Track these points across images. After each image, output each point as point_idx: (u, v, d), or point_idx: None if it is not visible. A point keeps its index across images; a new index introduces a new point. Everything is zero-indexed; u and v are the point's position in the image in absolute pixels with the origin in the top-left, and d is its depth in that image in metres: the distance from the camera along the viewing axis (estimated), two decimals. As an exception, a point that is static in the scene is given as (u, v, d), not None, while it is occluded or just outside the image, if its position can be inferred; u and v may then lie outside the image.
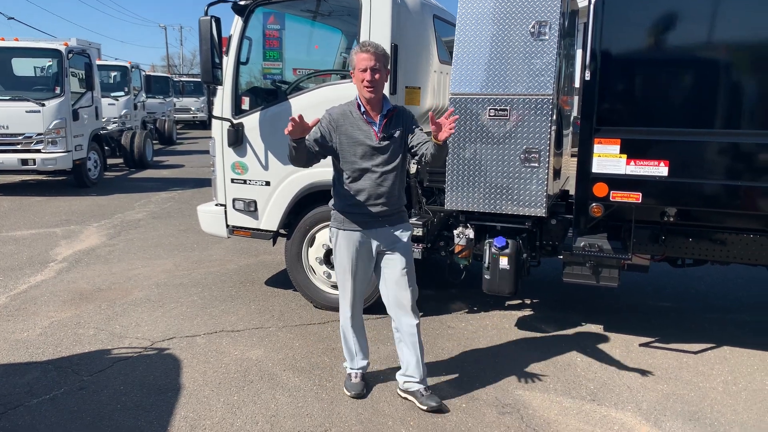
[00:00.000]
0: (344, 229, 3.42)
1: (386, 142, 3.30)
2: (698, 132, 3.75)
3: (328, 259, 4.94)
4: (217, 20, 4.60)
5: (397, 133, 3.33)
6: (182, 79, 30.73)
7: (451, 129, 3.04)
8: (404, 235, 3.47)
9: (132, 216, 9.09)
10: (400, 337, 3.53)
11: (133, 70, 17.06)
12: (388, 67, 3.28)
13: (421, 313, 3.60)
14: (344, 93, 4.65)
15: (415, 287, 3.51)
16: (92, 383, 3.83)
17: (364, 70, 3.19)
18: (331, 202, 3.50)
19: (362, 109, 3.31)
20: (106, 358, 4.21)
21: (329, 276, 4.97)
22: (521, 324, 4.85)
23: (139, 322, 4.86)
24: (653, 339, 4.55)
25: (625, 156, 3.82)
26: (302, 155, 3.24)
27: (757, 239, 4.07)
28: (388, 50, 4.47)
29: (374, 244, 3.43)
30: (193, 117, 27.47)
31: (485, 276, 4.41)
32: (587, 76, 3.86)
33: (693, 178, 3.78)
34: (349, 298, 3.53)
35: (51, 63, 11.27)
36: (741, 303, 5.39)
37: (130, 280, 5.93)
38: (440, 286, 5.63)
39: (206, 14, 4.59)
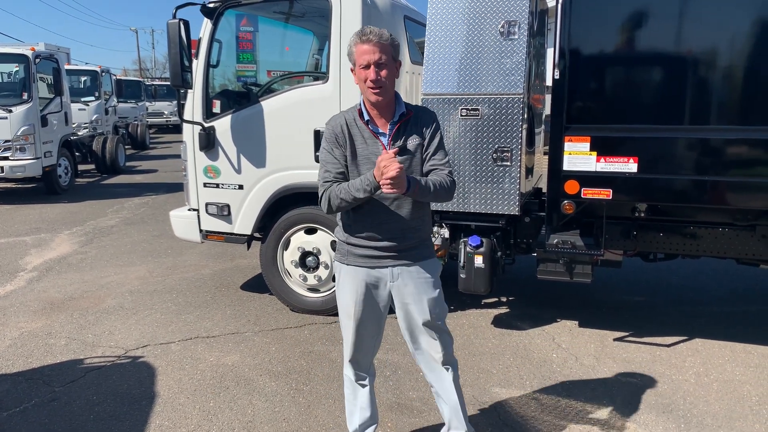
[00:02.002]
0: (347, 264, 2.69)
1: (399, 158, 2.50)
2: (666, 128, 3.81)
3: (303, 262, 4.92)
4: (186, 23, 4.54)
5: (413, 144, 2.56)
6: (155, 82, 30.40)
7: (387, 179, 2.29)
8: (426, 275, 2.70)
9: (104, 222, 8.95)
10: (436, 392, 2.89)
11: (104, 74, 16.77)
12: (399, 58, 2.57)
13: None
14: (317, 95, 4.67)
15: (445, 335, 2.78)
16: (64, 394, 3.75)
17: (366, 67, 2.44)
18: (337, 229, 2.76)
19: (366, 117, 2.55)
20: (78, 368, 4.13)
21: (305, 279, 4.94)
22: (497, 322, 4.88)
23: (112, 330, 4.78)
24: (627, 333, 4.61)
25: (595, 153, 3.86)
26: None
27: (725, 232, 4.15)
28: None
29: (386, 284, 2.69)
30: (167, 121, 27.19)
31: (461, 275, 4.44)
32: (556, 75, 3.89)
33: (662, 173, 3.83)
34: (350, 344, 2.80)
35: (18, 68, 11.04)
36: (712, 295, 5.49)
37: (103, 288, 5.83)
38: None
39: (174, 17, 4.53)
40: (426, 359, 2.81)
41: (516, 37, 4.17)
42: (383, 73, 2.45)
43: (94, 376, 4.00)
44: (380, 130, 2.57)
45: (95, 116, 15.51)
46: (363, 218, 2.61)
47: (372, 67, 2.44)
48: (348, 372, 2.91)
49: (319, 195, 2.59)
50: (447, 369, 2.81)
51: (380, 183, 2.34)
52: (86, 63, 25.76)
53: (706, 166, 3.77)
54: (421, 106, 2.77)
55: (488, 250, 4.38)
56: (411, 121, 2.59)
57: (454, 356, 2.86)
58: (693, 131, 3.77)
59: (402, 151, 2.53)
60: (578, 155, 3.88)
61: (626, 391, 3.75)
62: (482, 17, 4.24)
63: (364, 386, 2.93)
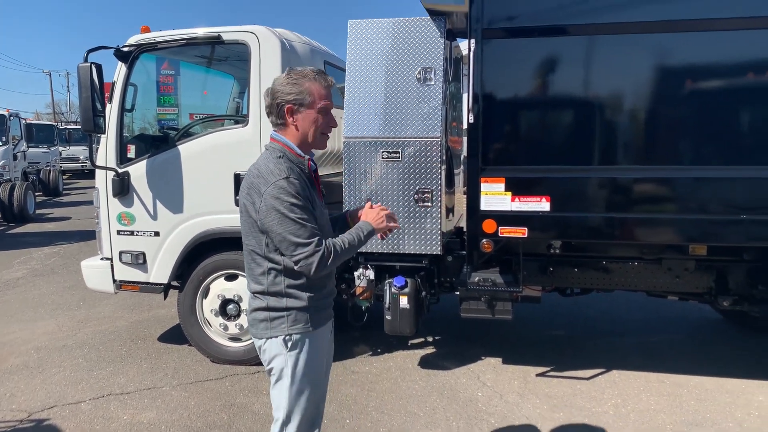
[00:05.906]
0: (315, 328, 2.33)
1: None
2: (575, 169, 3.98)
3: (224, 310, 4.77)
4: (98, 66, 4.41)
5: None
6: (69, 126, 29.19)
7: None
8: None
9: (10, 275, 8.38)
10: None
11: (12, 118, 15.97)
12: None
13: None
14: (237, 138, 4.62)
15: None
16: (-45, 466, 3.42)
17: (326, 112, 2.26)
18: (284, 300, 2.29)
19: (314, 165, 2.36)
20: (-27, 435, 3.79)
21: (226, 328, 4.78)
22: (424, 363, 4.87)
23: (15, 392, 4.42)
24: (548, 368, 4.70)
25: (510, 193, 3.99)
26: None
27: (635, 266, 4.36)
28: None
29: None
30: (82, 166, 26.10)
31: (386, 317, 4.43)
32: (471, 119, 4.03)
33: (573, 211, 4.00)
34: (311, 417, 2.39)
35: None
36: (626, 327, 5.71)
37: (5, 346, 5.41)
38: (343, 329, 5.55)
39: (86, 60, 4.39)
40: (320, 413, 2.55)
41: (432, 83, 4.30)
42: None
43: (-8, 443, 3.68)
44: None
45: (2, 162, 14.68)
46: (328, 273, 2.35)
47: (330, 112, 2.27)
48: None
49: (309, 254, 2.15)
50: None
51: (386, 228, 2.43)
52: (-6, 106, 24.56)
53: (614, 204, 3.96)
54: None
55: (413, 291, 4.40)
56: None
57: None
58: (601, 171, 3.96)
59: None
60: (494, 195, 3.99)
61: (549, 427, 3.80)
62: (400, 63, 4.36)
63: None
